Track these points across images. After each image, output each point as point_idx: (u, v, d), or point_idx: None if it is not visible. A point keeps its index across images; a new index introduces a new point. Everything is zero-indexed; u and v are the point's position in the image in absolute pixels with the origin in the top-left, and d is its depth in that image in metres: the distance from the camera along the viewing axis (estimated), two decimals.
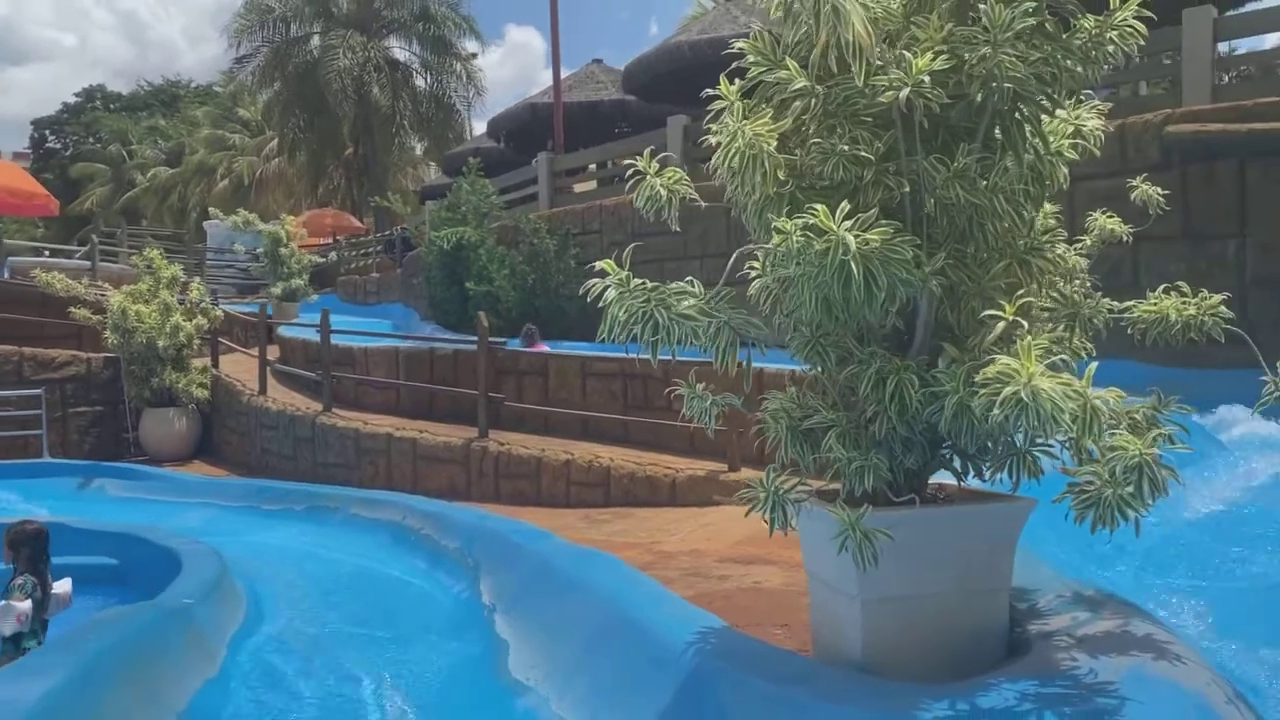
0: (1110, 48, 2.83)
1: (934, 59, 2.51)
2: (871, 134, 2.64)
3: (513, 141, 22.46)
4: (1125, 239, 7.79)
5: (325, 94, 31.63)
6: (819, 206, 2.41)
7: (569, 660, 3.93)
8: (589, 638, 3.98)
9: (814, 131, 2.64)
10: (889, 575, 2.75)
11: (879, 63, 2.56)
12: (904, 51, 2.54)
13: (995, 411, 2.28)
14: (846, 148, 2.58)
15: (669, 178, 2.88)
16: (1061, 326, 2.92)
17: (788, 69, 2.65)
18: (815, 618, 3.18)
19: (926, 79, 2.51)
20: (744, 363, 2.82)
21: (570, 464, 8.68)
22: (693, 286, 2.73)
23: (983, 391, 2.31)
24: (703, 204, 2.93)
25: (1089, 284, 7.83)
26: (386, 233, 28.81)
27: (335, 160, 36.53)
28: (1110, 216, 7.86)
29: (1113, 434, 2.30)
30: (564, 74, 20.07)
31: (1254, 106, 8.57)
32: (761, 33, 2.80)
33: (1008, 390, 2.24)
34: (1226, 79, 14.38)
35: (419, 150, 39.27)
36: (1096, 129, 2.96)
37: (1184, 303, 2.89)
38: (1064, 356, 2.71)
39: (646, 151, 2.94)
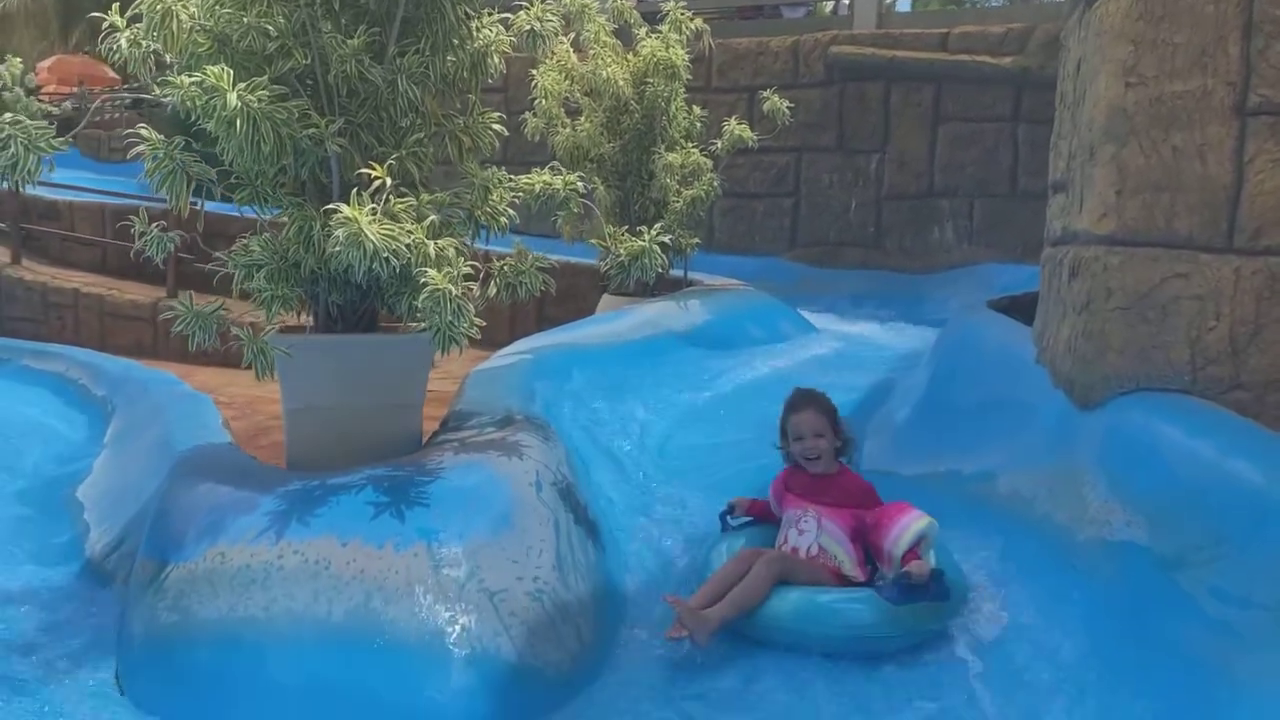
0: None
1: None
2: (288, 9, 3.09)
3: None
4: (753, 144, 8.60)
5: None
6: (211, 68, 2.84)
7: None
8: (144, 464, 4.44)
9: (228, 4, 3.06)
10: (309, 388, 3.34)
11: None
12: None
13: (339, 249, 2.83)
14: (255, 21, 3.01)
15: None
16: (462, 192, 3.45)
17: None
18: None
19: None
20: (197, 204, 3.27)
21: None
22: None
23: (335, 234, 2.84)
24: None
25: (715, 181, 8.58)
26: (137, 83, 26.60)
27: None
28: (742, 123, 8.64)
29: (421, 271, 2.89)
30: None
31: (901, 35, 9.58)
32: None
33: (339, 232, 2.79)
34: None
35: None
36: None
37: (556, 176, 3.51)
38: (455, 210, 3.27)
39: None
